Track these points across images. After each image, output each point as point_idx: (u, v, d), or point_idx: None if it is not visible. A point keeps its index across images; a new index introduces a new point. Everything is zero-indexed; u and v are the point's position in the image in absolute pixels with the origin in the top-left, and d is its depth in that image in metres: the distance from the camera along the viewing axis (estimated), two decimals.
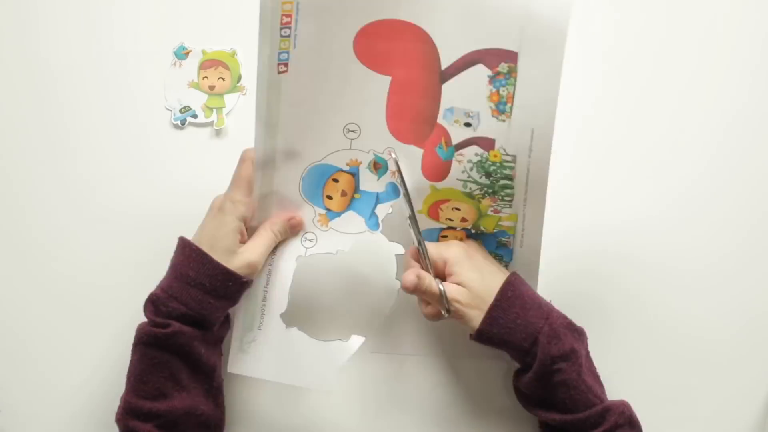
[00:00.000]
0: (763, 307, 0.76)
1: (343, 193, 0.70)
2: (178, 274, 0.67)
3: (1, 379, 0.78)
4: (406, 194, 0.67)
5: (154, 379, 0.66)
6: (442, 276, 0.68)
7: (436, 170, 0.67)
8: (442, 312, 0.67)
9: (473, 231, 0.70)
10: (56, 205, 0.81)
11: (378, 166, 0.69)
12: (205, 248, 0.67)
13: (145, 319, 0.68)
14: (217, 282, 0.66)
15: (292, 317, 0.70)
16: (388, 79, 0.67)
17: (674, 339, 0.76)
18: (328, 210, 0.71)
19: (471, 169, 0.66)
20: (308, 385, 0.69)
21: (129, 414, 0.66)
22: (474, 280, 0.67)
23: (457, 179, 0.67)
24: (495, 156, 0.65)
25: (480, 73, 0.64)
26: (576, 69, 0.76)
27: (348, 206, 0.71)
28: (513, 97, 0.63)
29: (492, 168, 0.65)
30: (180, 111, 0.82)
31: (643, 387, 0.74)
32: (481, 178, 0.66)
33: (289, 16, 0.65)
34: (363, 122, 0.68)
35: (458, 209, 0.69)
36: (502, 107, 0.64)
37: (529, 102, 0.63)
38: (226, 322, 0.72)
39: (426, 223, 0.70)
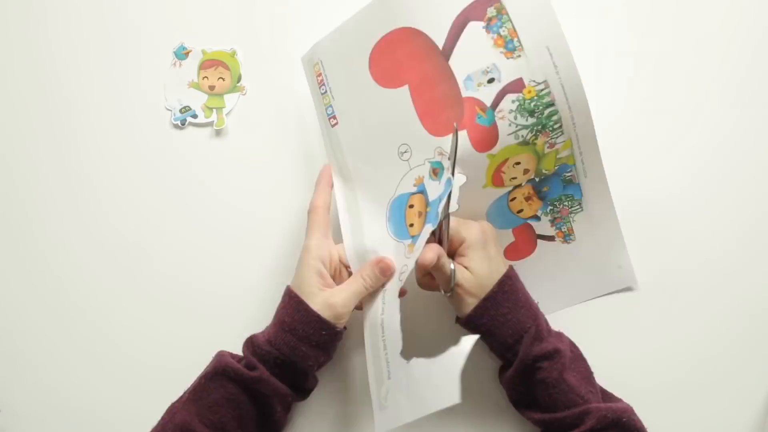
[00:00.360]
0: (764, 307, 0.76)
1: (419, 214, 0.70)
2: (277, 320, 0.67)
3: (1, 379, 0.78)
4: (452, 163, 0.67)
5: (223, 412, 0.65)
6: (453, 253, 0.69)
7: (486, 139, 0.67)
8: (442, 290, 0.68)
9: (537, 179, 0.70)
10: (56, 204, 0.81)
11: (436, 171, 0.69)
12: (297, 293, 0.67)
13: (223, 348, 0.68)
14: (311, 329, 0.66)
15: (408, 350, 0.68)
16: (406, 87, 0.68)
17: (674, 339, 0.76)
18: (412, 237, 0.70)
19: (515, 118, 0.66)
20: (442, 405, 0.66)
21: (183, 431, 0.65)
22: (482, 269, 0.67)
23: (507, 135, 0.67)
24: (529, 92, 0.65)
25: (474, 29, 0.65)
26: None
27: (424, 223, 0.70)
28: (515, 30, 0.64)
29: (532, 104, 0.66)
30: (180, 111, 0.82)
31: (643, 387, 0.74)
32: (527, 120, 0.66)
33: (320, 74, 0.73)
34: (408, 138, 0.69)
35: (518, 163, 0.69)
36: (510, 45, 0.65)
37: (530, 25, 0.64)
38: (314, 379, 0.70)
39: (493, 193, 0.70)
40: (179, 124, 0.82)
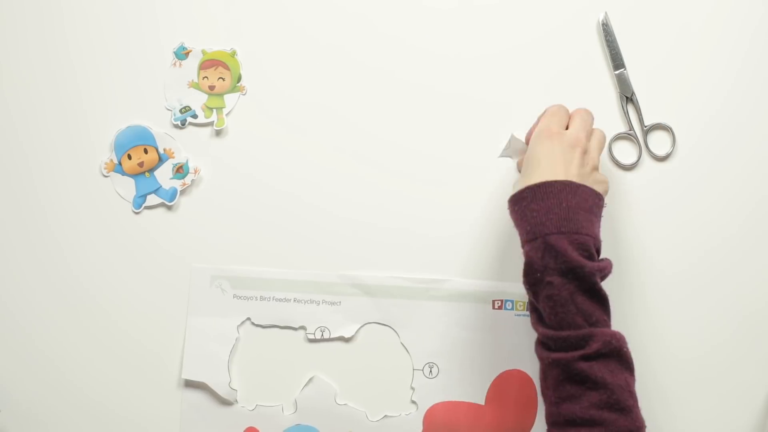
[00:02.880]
0: (763, 306, 0.76)
1: None
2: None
3: (1, 379, 0.78)
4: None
5: None
6: None
7: None
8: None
9: None
10: (56, 199, 0.81)
11: None
12: None
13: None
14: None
15: None
16: None
17: (674, 338, 0.76)
18: None
19: None
20: None
21: None
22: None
23: None
24: None
25: None
26: None
27: None
28: None
29: None
30: (180, 111, 0.82)
31: (643, 387, 0.74)
32: None
33: None
34: None
35: None
36: None
37: None
38: None
39: None
40: (179, 124, 0.82)
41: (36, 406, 0.78)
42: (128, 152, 0.81)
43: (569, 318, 0.61)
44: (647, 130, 0.79)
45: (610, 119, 0.79)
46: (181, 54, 0.83)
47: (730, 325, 0.76)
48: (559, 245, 0.61)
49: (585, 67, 0.80)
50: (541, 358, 0.63)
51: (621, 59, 0.80)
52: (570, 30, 0.81)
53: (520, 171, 0.71)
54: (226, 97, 0.82)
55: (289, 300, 0.77)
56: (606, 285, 0.75)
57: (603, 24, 0.80)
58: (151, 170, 0.81)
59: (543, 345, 0.63)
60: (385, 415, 0.76)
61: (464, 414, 0.75)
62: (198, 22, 0.83)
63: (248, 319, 0.78)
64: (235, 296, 0.78)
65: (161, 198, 0.80)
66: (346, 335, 0.77)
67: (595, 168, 0.68)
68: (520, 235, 0.65)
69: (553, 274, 0.61)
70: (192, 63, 0.82)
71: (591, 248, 0.62)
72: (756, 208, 0.78)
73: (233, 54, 0.83)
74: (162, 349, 0.78)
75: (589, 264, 0.61)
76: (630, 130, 0.79)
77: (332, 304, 0.77)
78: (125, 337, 0.79)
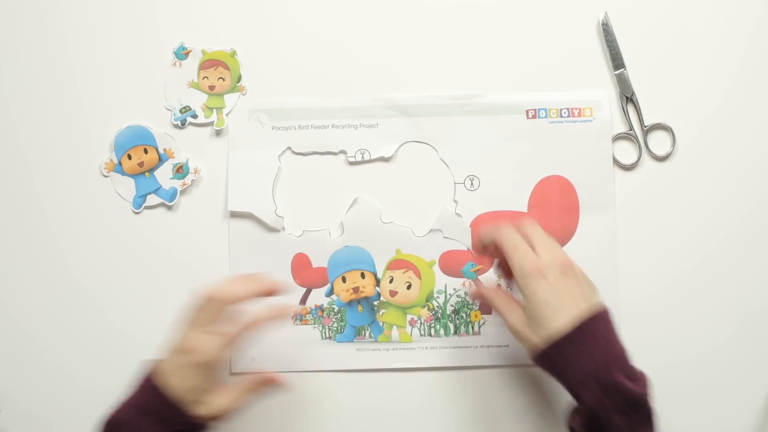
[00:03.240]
0: (764, 306, 0.76)
1: None
2: (143, 411, 0.65)
3: (1, 379, 0.78)
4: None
5: None
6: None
7: None
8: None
9: None
10: (56, 199, 0.81)
11: None
12: (178, 396, 0.64)
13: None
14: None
15: None
16: None
17: (674, 338, 0.76)
18: None
19: None
20: None
21: None
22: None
23: None
24: None
25: None
26: None
27: None
28: None
29: None
30: (180, 111, 0.82)
31: None
32: None
33: None
34: None
35: None
36: None
37: None
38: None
39: None
40: (179, 125, 0.82)
41: (36, 406, 0.78)
42: (128, 152, 0.81)
43: None
44: (647, 130, 0.79)
45: (610, 119, 0.79)
46: (181, 54, 0.83)
47: (731, 324, 0.76)
48: (617, 382, 0.60)
49: (585, 68, 0.80)
50: None
51: (621, 59, 0.80)
52: (570, 30, 0.81)
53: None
54: (226, 97, 0.82)
55: (327, 126, 0.79)
56: (606, 286, 0.75)
57: (603, 24, 0.80)
58: (151, 170, 0.81)
59: None
60: (431, 230, 0.77)
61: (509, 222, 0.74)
62: (198, 22, 0.83)
63: (288, 148, 0.79)
64: (273, 128, 0.80)
65: (161, 198, 0.80)
66: (386, 155, 0.79)
67: (585, 279, 0.66)
68: (567, 384, 0.62)
69: (613, 413, 0.59)
70: (192, 63, 0.82)
71: (634, 371, 0.62)
72: (756, 207, 0.78)
73: (233, 54, 0.83)
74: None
75: (644, 392, 0.61)
76: (630, 130, 0.79)
77: (370, 127, 0.79)
78: (125, 338, 0.79)
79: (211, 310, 0.66)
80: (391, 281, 0.77)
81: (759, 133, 0.79)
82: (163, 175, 0.80)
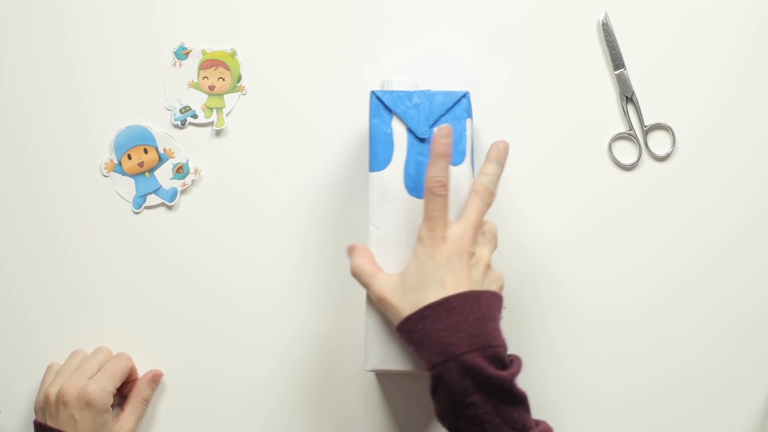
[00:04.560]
0: (764, 306, 0.76)
1: None
2: None
3: (1, 379, 0.78)
4: None
5: None
6: None
7: None
8: None
9: None
10: (56, 199, 0.81)
11: None
12: None
13: None
14: None
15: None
16: None
17: (674, 339, 0.76)
18: None
19: None
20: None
21: None
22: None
23: None
24: None
25: None
26: None
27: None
28: None
29: None
30: (180, 111, 0.82)
31: (643, 386, 0.74)
32: None
33: None
34: None
35: None
36: None
37: None
38: None
39: None
40: (179, 125, 0.82)
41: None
42: (128, 152, 0.81)
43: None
44: (647, 130, 0.79)
45: (610, 119, 0.79)
46: (181, 54, 0.83)
47: (734, 326, 0.76)
48: (476, 363, 0.58)
49: (585, 67, 0.80)
50: None
51: (621, 59, 0.80)
52: (570, 30, 0.81)
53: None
54: (226, 97, 0.82)
55: None
56: (606, 286, 0.75)
57: (603, 24, 0.80)
58: (151, 170, 0.81)
59: None
60: None
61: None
62: (198, 22, 0.83)
63: None
64: None
65: (161, 198, 0.80)
66: None
67: (488, 266, 0.64)
68: (425, 358, 0.60)
69: (473, 394, 0.58)
70: (192, 63, 0.82)
71: (504, 358, 0.60)
72: (758, 208, 0.78)
73: (233, 54, 0.83)
74: (165, 347, 0.78)
75: (506, 375, 0.59)
76: (630, 130, 0.79)
77: None
78: (125, 338, 0.79)
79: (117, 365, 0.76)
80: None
81: (760, 133, 0.79)
82: (163, 175, 0.80)
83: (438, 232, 0.63)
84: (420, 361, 0.62)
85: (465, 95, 0.70)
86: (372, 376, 0.77)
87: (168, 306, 0.79)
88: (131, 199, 0.80)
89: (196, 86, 0.82)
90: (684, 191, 0.78)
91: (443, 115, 0.69)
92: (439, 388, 0.60)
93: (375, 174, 0.69)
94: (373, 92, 0.71)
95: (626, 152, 0.79)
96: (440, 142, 0.65)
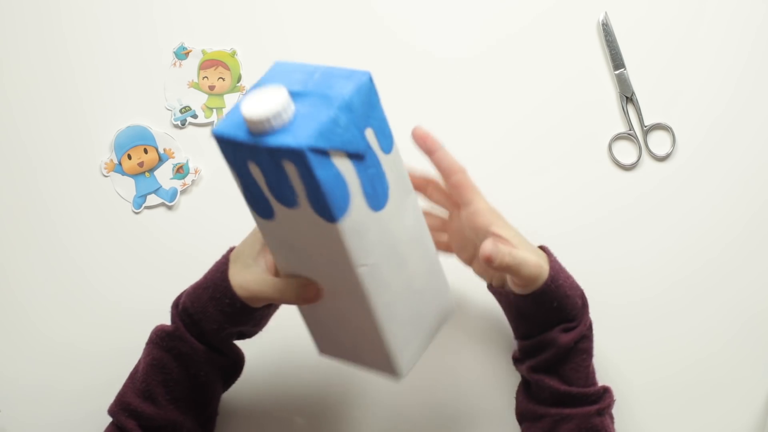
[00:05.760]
0: (764, 306, 0.76)
1: None
2: (206, 275, 0.66)
3: (1, 379, 0.78)
4: None
5: (149, 379, 0.65)
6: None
7: None
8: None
9: None
10: (57, 199, 0.81)
11: None
12: (232, 256, 0.65)
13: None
14: (218, 293, 0.64)
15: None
16: None
17: (674, 338, 0.76)
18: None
19: None
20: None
21: (119, 407, 0.66)
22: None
23: None
24: None
25: None
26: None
27: None
28: None
29: None
30: (180, 111, 0.82)
31: (643, 387, 0.74)
32: None
33: None
34: None
35: None
36: None
37: None
38: (235, 351, 0.68)
39: None
40: (179, 125, 0.82)
41: (36, 406, 0.78)
42: (128, 152, 0.81)
43: (592, 373, 0.66)
44: (647, 130, 0.79)
45: (610, 119, 0.80)
46: (181, 54, 0.83)
47: (733, 324, 0.76)
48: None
49: (585, 67, 0.80)
50: (548, 414, 0.65)
51: (621, 59, 0.80)
52: (570, 30, 0.81)
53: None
54: (226, 97, 0.82)
55: None
56: (605, 285, 0.75)
57: (603, 24, 0.80)
58: (151, 170, 0.81)
59: (557, 401, 0.65)
60: None
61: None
62: (198, 22, 0.83)
63: None
64: None
65: (161, 198, 0.80)
66: None
67: None
68: (570, 306, 0.65)
69: (589, 331, 0.67)
70: (192, 63, 0.82)
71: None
72: (757, 207, 0.78)
73: (233, 54, 0.83)
74: None
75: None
76: (630, 130, 0.79)
77: None
78: (125, 338, 0.79)
79: None
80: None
81: (760, 133, 0.79)
82: (163, 175, 0.81)
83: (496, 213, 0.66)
84: (566, 310, 0.65)
85: (367, 76, 0.54)
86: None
87: (168, 306, 0.79)
88: (131, 199, 0.80)
89: (196, 86, 0.82)
90: (684, 191, 0.78)
91: (368, 113, 0.54)
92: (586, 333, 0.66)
93: (342, 222, 0.54)
94: (266, 147, 0.52)
95: (626, 152, 0.79)
96: (429, 138, 0.64)
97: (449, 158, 0.64)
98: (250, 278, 0.63)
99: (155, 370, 0.65)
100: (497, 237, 0.63)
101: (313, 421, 0.75)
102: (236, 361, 0.69)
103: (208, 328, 0.64)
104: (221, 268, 0.64)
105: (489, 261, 0.59)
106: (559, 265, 0.66)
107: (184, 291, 0.67)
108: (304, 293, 0.61)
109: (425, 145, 0.64)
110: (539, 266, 0.63)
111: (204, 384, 0.66)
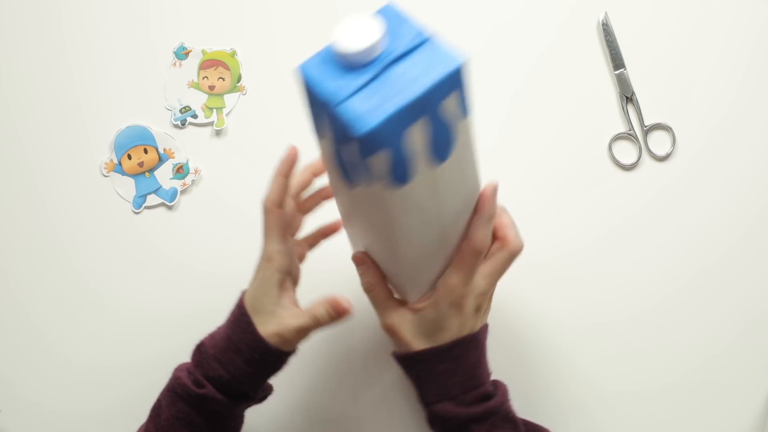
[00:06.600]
0: (764, 308, 0.76)
1: None
2: (226, 334, 0.63)
3: (1, 379, 0.78)
4: None
5: (174, 430, 0.63)
6: None
7: None
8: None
9: None
10: (57, 199, 0.81)
11: None
12: (250, 309, 0.62)
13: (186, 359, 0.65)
14: (257, 354, 0.62)
15: None
16: None
17: (674, 340, 0.76)
18: None
19: None
20: None
21: None
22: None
23: None
24: None
25: None
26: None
27: None
28: None
29: None
30: (180, 111, 0.82)
31: (644, 386, 0.74)
32: None
33: None
34: None
35: None
36: None
37: None
38: (267, 388, 0.67)
39: None
40: (179, 125, 0.82)
41: (37, 406, 0.78)
42: (128, 152, 0.81)
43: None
44: (647, 130, 0.79)
45: (610, 119, 0.80)
46: (181, 54, 0.83)
47: (735, 327, 0.76)
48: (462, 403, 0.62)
49: (585, 67, 0.80)
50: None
51: (621, 59, 0.80)
52: (570, 30, 0.81)
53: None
54: (226, 97, 0.82)
55: None
56: (605, 286, 0.75)
57: (603, 24, 0.80)
58: (151, 170, 0.81)
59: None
60: None
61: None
62: (198, 22, 0.83)
63: None
64: None
65: (161, 198, 0.80)
66: None
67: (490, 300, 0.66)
68: (421, 393, 0.64)
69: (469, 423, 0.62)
70: (192, 63, 0.82)
71: (490, 392, 0.63)
72: (757, 207, 0.78)
73: (233, 54, 0.83)
74: (165, 347, 0.78)
75: (492, 404, 0.62)
76: (630, 130, 0.79)
77: None
78: (125, 338, 0.79)
79: (271, 219, 0.64)
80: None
81: (760, 133, 0.79)
82: (163, 175, 0.81)
83: (471, 300, 0.62)
84: (417, 393, 0.64)
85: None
86: (376, 375, 0.77)
87: (168, 305, 0.79)
88: (131, 199, 0.80)
89: (196, 86, 0.82)
90: (684, 191, 0.78)
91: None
92: (435, 421, 0.63)
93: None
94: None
95: (626, 152, 0.79)
96: (490, 202, 0.60)
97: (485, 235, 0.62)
98: (284, 322, 0.62)
99: (181, 424, 0.63)
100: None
101: (313, 421, 0.75)
102: (266, 396, 0.68)
103: (248, 389, 0.63)
104: (247, 328, 0.62)
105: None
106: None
107: (207, 348, 0.63)
108: (337, 307, 0.61)
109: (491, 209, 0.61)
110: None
111: (233, 427, 0.66)
